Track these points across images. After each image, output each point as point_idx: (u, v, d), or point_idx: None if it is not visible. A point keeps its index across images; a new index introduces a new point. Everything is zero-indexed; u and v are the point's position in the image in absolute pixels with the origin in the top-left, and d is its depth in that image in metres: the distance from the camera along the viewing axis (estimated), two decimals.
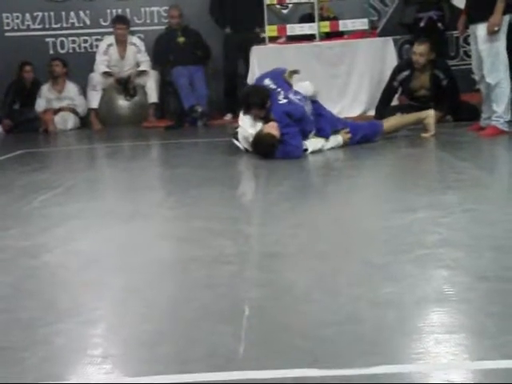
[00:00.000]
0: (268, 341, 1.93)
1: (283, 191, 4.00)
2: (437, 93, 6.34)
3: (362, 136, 5.47)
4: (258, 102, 5.19)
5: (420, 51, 6.31)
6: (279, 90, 5.27)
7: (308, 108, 5.26)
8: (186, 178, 4.59)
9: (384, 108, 6.45)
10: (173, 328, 2.08)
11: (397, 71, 6.50)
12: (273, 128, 5.01)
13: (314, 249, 2.79)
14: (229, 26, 8.19)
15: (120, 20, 8.50)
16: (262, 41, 7.72)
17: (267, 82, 5.38)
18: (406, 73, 6.38)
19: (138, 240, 3.13)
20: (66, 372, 1.85)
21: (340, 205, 3.66)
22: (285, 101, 5.18)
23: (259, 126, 5.17)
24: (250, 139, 5.18)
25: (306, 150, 5.07)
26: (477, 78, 5.79)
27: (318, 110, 5.40)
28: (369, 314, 2.07)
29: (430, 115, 5.63)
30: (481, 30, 5.43)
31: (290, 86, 5.45)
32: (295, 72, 5.65)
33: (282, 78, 5.48)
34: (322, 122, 5.33)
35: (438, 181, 4.04)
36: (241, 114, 5.42)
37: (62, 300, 2.38)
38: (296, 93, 5.32)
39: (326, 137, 5.29)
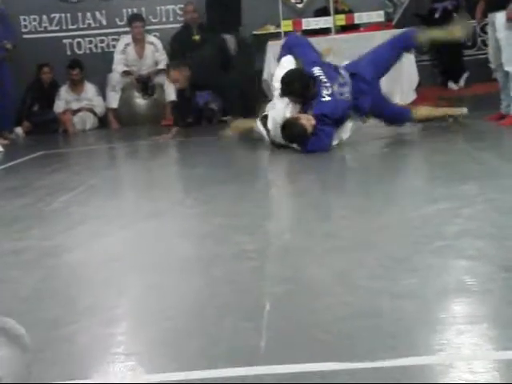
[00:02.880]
0: (289, 335, 1.93)
1: (302, 186, 4.00)
2: None
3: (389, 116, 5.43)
4: (299, 90, 5.10)
5: None
6: (327, 82, 5.10)
7: (347, 95, 5.14)
8: (204, 176, 4.60)
9: None
10: (195, 325, 2.09)
11: None
12: (308, 121, 4.92)
13: (334, 242, 2.78)
14: None
15: (136, 18, 8.52)
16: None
17: (317, 71, 5.19)
18: None
19: (158, 238, 3.14)
20: (90, 370, 1.86)
21: (359, 197, 3.65)
22: (328, 98, 5.04)
23: (295, 110, 5.11)
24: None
25: None
26: (493, 66, 5.75)
27: (357, 84, 5.22)
28: (390, 306, 2.07)
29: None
30: (500, 17, 5.38)
31: (336, 69, 5.28)
32: (328, 51, 5.68)
33: (326, 64, 5.33)
34: (360, 101, 5.21)
35: (457, 171, 4.01)
36: (276, 95, 5.35)
37: (84, 299, 2.39)
38: (342, 84, 5.15)
39: (363, 115, 5.29)
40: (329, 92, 5.07)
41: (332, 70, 5.25)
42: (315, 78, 5.12)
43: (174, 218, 3.53)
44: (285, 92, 5.17)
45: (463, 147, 4.86)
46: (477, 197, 3.31)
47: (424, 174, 4.18)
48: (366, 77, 5.26)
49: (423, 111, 5.64)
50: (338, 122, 5.08)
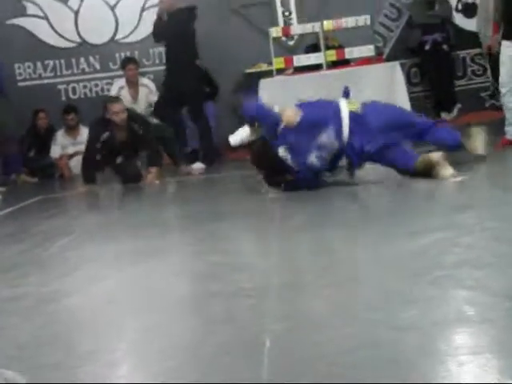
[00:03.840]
0: (291, 370, 1.92)
1: (298, 222, 4.01)
2: None
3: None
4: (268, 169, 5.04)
5: None
6: (292, 160, 4.90)
7: (327, 156, 4.87)
8: (201, 213, 4.61)
9: None
10: (196, 364, 2.07)
11: None
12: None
13: (332, 277, 2.78)
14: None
15: (130, 61, 8.60)
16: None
17: (281, 151, 4.92)
18: None
19: (156, 278, 3.13)
20: None
21: (355, 231, 3.65)
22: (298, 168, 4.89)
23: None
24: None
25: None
26: (503, 90, 5.81)
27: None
28: (391, 337, 2.06)
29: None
30: None
31: (316, 127, 4.85)
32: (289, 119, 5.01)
33: (293, 134, 4.89)
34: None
35: (453, 200, 4.02)
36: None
37: (85, 343, 2.38)
38: (320, 148, 4.82)
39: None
40: (297, 165, 4.90)
41: (305, 139, 4.85)
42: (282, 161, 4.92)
43: (171, 257, 3.53)
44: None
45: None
46: (474, 226, 3.31)
47: (420, 204, 4.18)
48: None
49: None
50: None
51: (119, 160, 7.05)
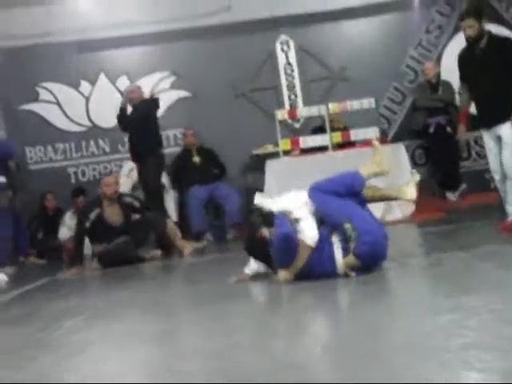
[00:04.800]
0: None
1: (306, 303, 4.01)
2: None
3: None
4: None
5: None
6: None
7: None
8: (208, 293, 4.62)
9: None
10: None
11: None
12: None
13: (338, 357, 2.77)
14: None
15: None
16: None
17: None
18: None
19: (164, 359, 3.13)
20: None
21: (360, 313, 3.65)
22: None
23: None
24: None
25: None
26: (497, 177, 5.79)
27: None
28: None
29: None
30: (505, 128, 5.54)
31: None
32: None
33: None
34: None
35: (459, 282, 4.02)
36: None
37: None
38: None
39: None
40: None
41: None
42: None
43: (179, 338, 3.52)
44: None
45: (463, 257, 4.89)
46: (481, 308, 3.31)
47: (425, 285, 4.18)
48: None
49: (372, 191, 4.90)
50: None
51: (118, 240, 7.11)
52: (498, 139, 5.64)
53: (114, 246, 7.05)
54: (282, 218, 4.59)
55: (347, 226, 4.42)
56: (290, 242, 4.49)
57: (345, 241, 4.44)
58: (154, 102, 8.07)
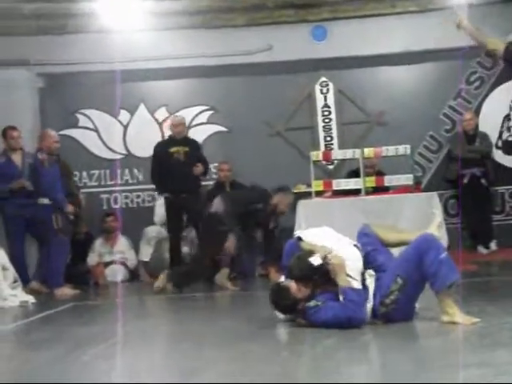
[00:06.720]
0: None
1: (328, 343, 3.97)
2: None
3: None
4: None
5: None
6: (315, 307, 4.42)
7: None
8: (234, 332, 4.59)
9: None
10: None
11: None
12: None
13: None
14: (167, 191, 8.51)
15: None
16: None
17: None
18: None
19: None
20: None
21: (385, 361, 3.60)
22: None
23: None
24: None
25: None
26: None
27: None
28: None
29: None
30: None
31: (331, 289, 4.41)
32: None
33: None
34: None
35: (487, 336, 3.96)
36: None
37: None
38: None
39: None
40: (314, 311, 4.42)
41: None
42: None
43: (205, 377, 3.48)
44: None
45: (491, 310, 4.81)
46: (509, 364, 3.25)
47: (453, 339, 4.12)
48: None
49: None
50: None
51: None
52: None
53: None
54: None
55: (400, 281, 4.36)
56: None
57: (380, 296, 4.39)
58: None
